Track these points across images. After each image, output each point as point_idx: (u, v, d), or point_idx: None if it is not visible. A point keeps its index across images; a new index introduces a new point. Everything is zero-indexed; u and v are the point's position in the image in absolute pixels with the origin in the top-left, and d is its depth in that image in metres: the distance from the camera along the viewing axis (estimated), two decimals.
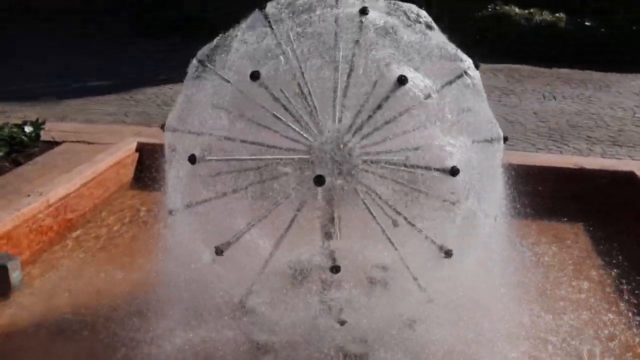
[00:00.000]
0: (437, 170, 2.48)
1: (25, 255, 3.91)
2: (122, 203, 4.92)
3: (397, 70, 2.43)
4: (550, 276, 3.87)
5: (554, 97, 8.56)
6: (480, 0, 12.09)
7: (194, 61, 2.71)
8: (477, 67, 2.78)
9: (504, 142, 2.87)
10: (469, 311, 3.00)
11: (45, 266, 3.93)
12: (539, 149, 6.12)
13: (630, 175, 4.91)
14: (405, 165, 2.57)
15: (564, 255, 4.20)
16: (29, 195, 4.24)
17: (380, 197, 2.63)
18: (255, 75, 2.43)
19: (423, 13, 2.82)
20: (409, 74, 2.45)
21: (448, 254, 2.57)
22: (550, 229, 4.58)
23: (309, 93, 2.60)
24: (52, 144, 5.59)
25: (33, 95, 8.09)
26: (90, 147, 5.44)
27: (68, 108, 7.53)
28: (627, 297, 3.67)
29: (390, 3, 2.80)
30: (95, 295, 3.54)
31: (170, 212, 2.84)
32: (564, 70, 10.40)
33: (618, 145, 6.50)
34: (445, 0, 12.11)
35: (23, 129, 5.55)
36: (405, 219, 2.60)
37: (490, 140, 2.80)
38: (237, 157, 2.60)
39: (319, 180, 2.35)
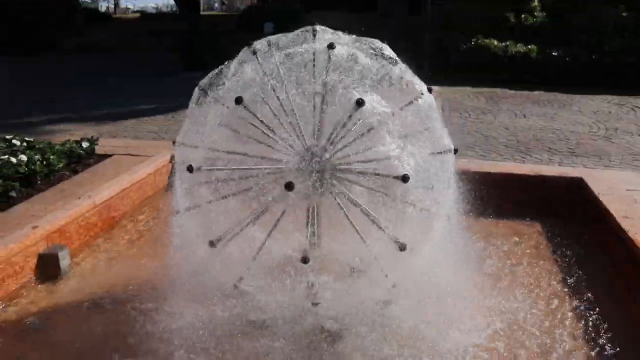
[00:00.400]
0: (394, 177, 2.49)
1: (74, 246, 3.99)
2: (157, 204, 4.99)
3: (356, 95, 2.45)
4: (506, 263, 3.84)
5: (524, 115, 8.47)
6: (465, 34, 11.99)
7: (197, 89, 2.75)
8: (429, 91, 2.79)
9: (454, 154, 2.86)
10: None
11: (89, 256, 3.99)
12: (505, 158, 6.07)
13: (579, 180, 4.85)
14: (366, 174, 2.59)
15: (519, 247, 4.16)
16: (79, 198, 4.33)
17: (351, 200, 2.65)
18: (238, 100, 2.47)
19: (386, 47, 2.85)
20: (367, 97, 2.46)
21: (402, 247, 2.58)
22: (511, 226, 4.53)
23: (293, 114, 2.63)
24: (105, 157, 5.70)
25: (94, 117, 8.26)
26: (134, 159, 5.53)
27: (121, 127, 7.66)
28: (563, 277, 3.65)
29: (357, 38, 2.83)
30: (125, 278, 3.60)
31: (176, 213, 2.89)
32: (535, 93, 10.31)
33: (575, 155, 6.42)
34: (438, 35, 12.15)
35: (81, 144, 5.66)
36: (368, 215, 2.62)
37: (442, 152, 2.81)
38: (227, 167, 2.63)
39: (289, 186, 2.37)
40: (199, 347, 2.77)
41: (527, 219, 4.60)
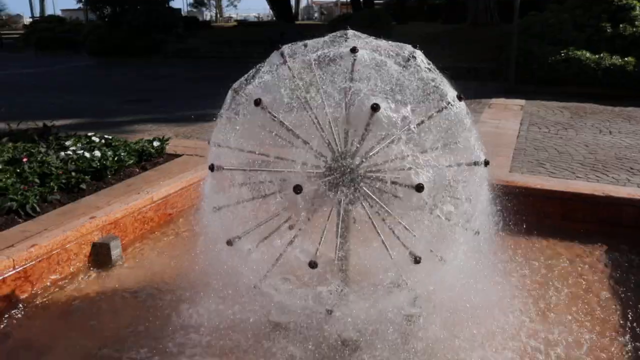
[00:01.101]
0: (407, 186, 2.42)
1: (128, 238, 4.23)
2: None
3: (372, 99, 2.40)
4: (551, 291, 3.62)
5: (609, 132, 7.91)
6: (555, 45, 11.41)
7: (230, 91, 2.82)
8: (460, 99, 2.69)
9: (485, 166, 2.74)
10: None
11: (141, 248, 4.21)
12: (577, 177, 5.70)
13: None
14: (388, 182, 2.54)
15: (574, 270, 3.90)
16: (138, 193, 4.59)
17: (377, 205, 2.60)
18: (257, 102, 2.51)
19: (418, 53, 2.78)
20: (384, 104, 2.41)
21: (417, 260, 2.50)
22: (569, 248, 4.26)
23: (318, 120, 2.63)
24: (174, 156, 6.01)
25: (177, 118, 8.70)
26: (201, 159, 5.77)
27: (198, 128, 8.00)
28: (615, 305, 3.37)
29: (389, 43, 2.78)
30: (169, 269, 3.77)
31: (213, 209, 2.96)
32: (627, 109, 9.59)
33: None
34: (525, 46, 11.65)
35: (152, 143, 6.00)
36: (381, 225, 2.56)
37: (471, 164, 2.70)
38: (250, 168, 2.68)
39: (297, 189, 2.38)
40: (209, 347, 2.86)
41: (589, 242, 4.30)
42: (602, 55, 11.03)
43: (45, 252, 3.54)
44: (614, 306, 3.42)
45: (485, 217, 2.88)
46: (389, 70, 2.61)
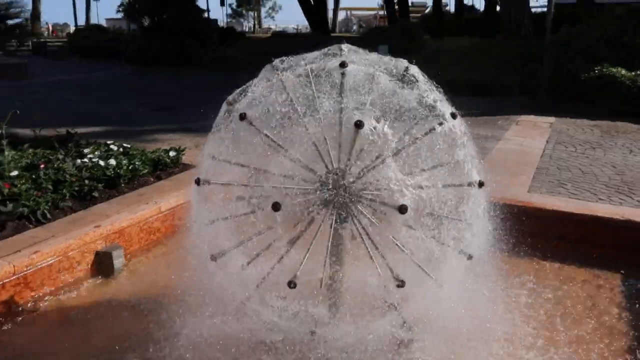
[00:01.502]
0: (389, 206, 2.35)
1: (133, 248, 4.26)
2: None
3: (356, 116, 2.34)
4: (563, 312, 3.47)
5: None
6: (589, 61, 11.10)
7: (225, 103, 2.80)
8: (454, 117, 2.60)
9: (479, 187, 2.64)
10: None
11: (145, 258, 4.23)
12: (600, 199, 5.49)
13: None
14: (375, 201, 2.47)
15: (586, 298, 3.74)
16: (147, 203, 4.62)
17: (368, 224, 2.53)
18: (242, 116, 2.49)
19: (413, 68, 2.71)
20: (370, 121, 2.35)
21: (401, 284, 2.42)
22: (583, 274, 4.10)
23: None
24: (190, 166, 6.05)
25: (199, 128, 8.79)
26: None
27: None
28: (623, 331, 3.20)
29: (381, 58, 2.72)
30: (169, 281, 3.73)
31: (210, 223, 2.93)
32: None
33: None
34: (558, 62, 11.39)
35: (168, 153, 6.06)
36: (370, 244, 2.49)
37: (463, 185, 2.60)
38: (237, 183, 2.65)
39: (276, 207, 2.33)
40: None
41: (606, 267, 4.13)
42: (638, 72, 10.67)
43: (47, 259, 3.59)
44: (628, 340, 3.25)
45: (482, 239, 2.78)
46: (381, 85, 2.55)
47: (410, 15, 35.57)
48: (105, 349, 3.06)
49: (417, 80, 2.65)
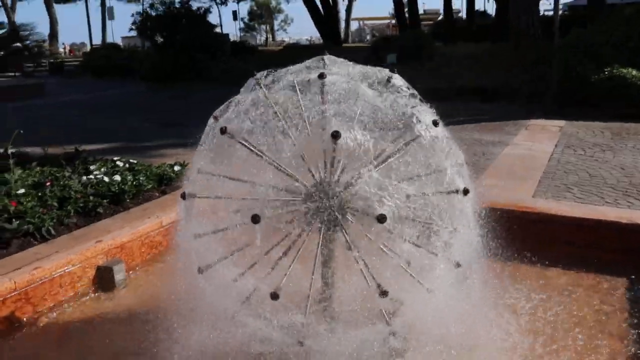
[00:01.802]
0: (367, 215, 2.36)
1: (135, 262, 4.31)
2: None
3: (334, 127, 2.36)
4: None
5: None
6: (598, 63, 10.98)
7: (212, 117, 2.83)
8: (435, 124, 2.60)
9: (464, 195, 2.63)
10: None
11: (147, 272, 4.28)
12: (606, 202, 5.42)
13: None
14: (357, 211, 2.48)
15: (590, 304, 3.69)
16: (149, 217, 4.68)
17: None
18: (222, 130, 2.53)
19: (396, 77, 2.72)
20: (348, 132, 2.36)
21: (384, 294, 2.41)
22: (587, 279, 4.05)
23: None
24: None
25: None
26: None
27: None
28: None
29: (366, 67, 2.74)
30: (170, 296, 3.76)
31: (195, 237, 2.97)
32: None
33: None
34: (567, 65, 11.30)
35: (173, 168, 6.14)
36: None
37: (447, 192, 2.60)
38: (222, 196, 2.67)
39: (255, 219, 2.36)
40: None
41: (610, 273, 4.07)
42: None
43: (48, 274, 3.66)
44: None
45: (470, 247, 2.77)
46: (361, 95, 2.57)
47: (423, 22, 35.59)
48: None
49: (399, 91, 2.66)
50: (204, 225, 2.76)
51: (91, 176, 5.58)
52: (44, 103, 16.75)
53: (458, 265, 2.66)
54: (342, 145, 2.35)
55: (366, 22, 68.18)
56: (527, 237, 4.22)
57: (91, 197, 5.05)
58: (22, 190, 5.05)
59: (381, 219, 2.30)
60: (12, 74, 26.47)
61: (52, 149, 6.85)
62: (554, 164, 6.95)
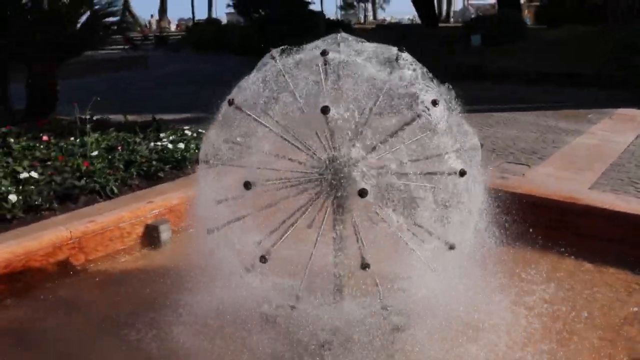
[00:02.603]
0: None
1: (183, 224, 4.65)
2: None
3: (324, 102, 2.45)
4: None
5: None
6: None
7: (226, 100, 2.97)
8: (434, 104, 2.60)
9: (461, 176, 2.64)
10: None
11: (193, 234, 4.59)
12: None
13: None
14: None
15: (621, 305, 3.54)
16: None
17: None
18: (230, 102, 2.69)
19: (404, 55, 2.74)
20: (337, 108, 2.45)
21: (365, 266, 2.51)
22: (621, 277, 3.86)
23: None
24: None
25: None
26: None
27: None
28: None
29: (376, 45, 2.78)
30: (209, 256, 4.06)
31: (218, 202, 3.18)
32: None
33: None
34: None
35: None
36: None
37: (444, 173, 2.63)
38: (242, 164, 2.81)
39: (247, 185, 2.52)
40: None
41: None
42: None
43: (100, 228, 4.07)
44: None
45: (470, 231, 2.79)
46: (366, 73, 2.63)
47: (533, 3, 33.62)
48: (135, 308, 3.44)
49: (405, 67, 2.69)
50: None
51: (159, 143, 6.03)
52: (145, 73, 17.90)
53: (452, 247, 2.70)
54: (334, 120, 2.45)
55: (471, 2, 65.77)
56: (566, 229, 4.11)
57: (154, 162, 5.48)
58: (95, 153, 5.58)
59: (362, 193, 2.39)
60: (122, 47, 28.36)
61: (131, 117, 7.42)
62: (626, 156, 6.54)
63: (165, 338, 3.11)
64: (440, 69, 3.24)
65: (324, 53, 2.62)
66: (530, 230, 3.88)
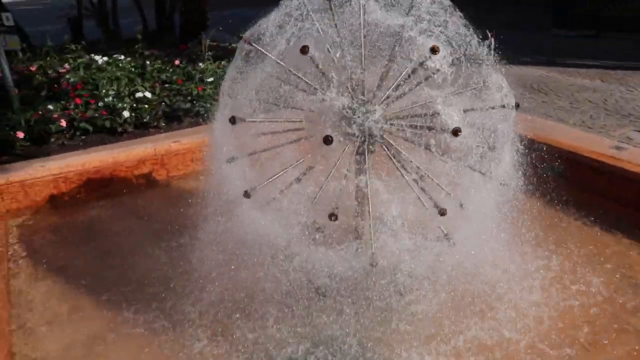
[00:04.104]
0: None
1: None
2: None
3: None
4: None
5: None
6: None
7: (241, 41, 2.92)
8: (434, 51, 2.34)
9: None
10: None
11: None
12: None
13: None
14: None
15: None
16: None
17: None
18: (245, 40, 2.65)
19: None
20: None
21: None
22: None
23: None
24: None
25: None
26: None
27: None
28: None
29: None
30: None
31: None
32: None
33: None
34: None
35: None
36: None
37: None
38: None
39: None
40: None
41: None
42: None
43: (183, 149, 4.44)
44: None
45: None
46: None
47: None
48: (180, 227, 3.73)
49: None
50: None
51: None
52: None
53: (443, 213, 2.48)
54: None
55: None
56: None
57: None
58: (211, 79, 5.97)
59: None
60: None
61: None
62: None
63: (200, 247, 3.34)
64: None
65: None
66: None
